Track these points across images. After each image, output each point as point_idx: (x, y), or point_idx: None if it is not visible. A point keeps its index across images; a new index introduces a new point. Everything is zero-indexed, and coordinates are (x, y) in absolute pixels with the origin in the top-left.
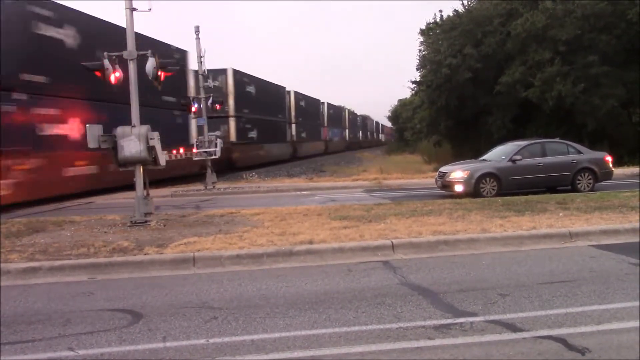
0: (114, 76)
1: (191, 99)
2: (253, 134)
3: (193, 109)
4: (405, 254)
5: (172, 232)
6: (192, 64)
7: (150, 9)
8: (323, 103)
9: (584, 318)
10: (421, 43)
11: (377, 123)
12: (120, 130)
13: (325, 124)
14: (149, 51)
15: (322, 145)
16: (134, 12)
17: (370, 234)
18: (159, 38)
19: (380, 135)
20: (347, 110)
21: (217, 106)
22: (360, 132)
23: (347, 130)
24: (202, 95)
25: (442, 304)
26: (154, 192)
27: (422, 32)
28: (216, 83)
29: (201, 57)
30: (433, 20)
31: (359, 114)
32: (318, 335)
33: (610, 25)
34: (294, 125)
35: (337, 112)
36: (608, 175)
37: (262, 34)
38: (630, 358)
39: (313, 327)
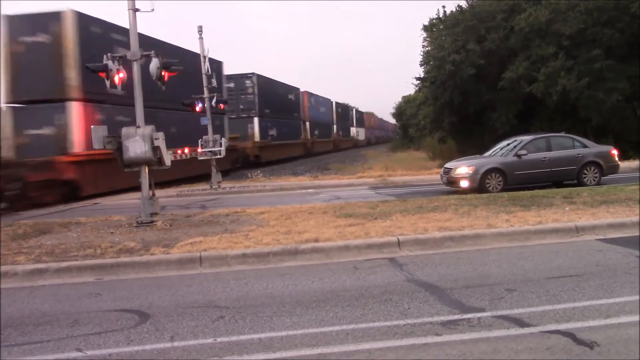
0: (118, 77)
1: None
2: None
3: (197, 109)
4: (411, 250)
5: (178, 232)
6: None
7: (152, 10)
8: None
9: (592, 312)
10: (424, 39)
11: (347, 108)
12: (124, 131)
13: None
14: (152, 51)
15: None
16: (137, 13)
17: (375, 231)
18: (161, 38)
19: (354, 131)
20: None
21: (221, 106)
22: (274, 127)
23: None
24: (206, 94)
25: (449, 300)
26: (159, 192)
27: (426, 29)
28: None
29: (205, 56)
30: (436, 17)
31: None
32: (325, 333)
33: (613, 19)
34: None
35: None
36: (614, 169)
37: (263, 33)
38: (638, 351)
39: (320, 325)
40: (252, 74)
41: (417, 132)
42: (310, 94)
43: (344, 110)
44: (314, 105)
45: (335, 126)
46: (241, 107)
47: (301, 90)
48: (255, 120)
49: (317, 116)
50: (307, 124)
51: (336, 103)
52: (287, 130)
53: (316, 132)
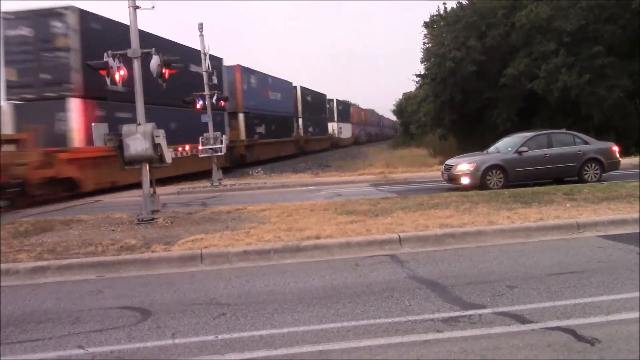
0: (119, 75)
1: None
2: None
3: (198, 106)
4: (412, 247)
5: (179, 230)
6: None
7: (153, 7)
8: None
9: (593, 309)
10: (425, 36)
11: (323, 97)
12: (125, 128)
13: None
14: (153, 49)
15: None
16: (137, 10)
17: (377, 228)
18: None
19: (334, 126)
20: None
21: (222, 103)
22: (157, 121)
23: None
24: (207, 92)
25: (450, 297)
26: (160, 189)
27: (426, 25)
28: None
29: (205, 54)
30: (437, 13)
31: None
32: (326, 329)
33: (614, 16)
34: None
35: None
36: (615, 165)
37: (266, 32)
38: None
39: (321, 322)
40: (68, 7)
41: (418, 129)
42: (249, 71)
43: (316, 99)
44: (255, 89)
45: (300, 120)
46: (42, 76)
47: (234, 63)
48: (73, 103)
49: (264, 105)
50: (241, 116)
51: (302, 88)
52: (187, 129)
53: (260, 130)
